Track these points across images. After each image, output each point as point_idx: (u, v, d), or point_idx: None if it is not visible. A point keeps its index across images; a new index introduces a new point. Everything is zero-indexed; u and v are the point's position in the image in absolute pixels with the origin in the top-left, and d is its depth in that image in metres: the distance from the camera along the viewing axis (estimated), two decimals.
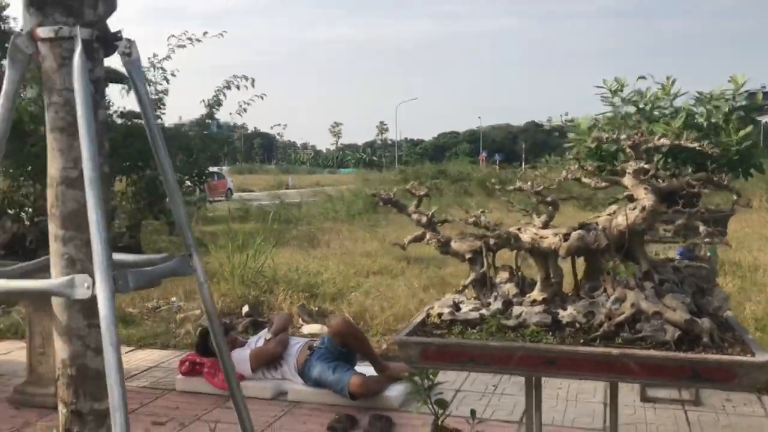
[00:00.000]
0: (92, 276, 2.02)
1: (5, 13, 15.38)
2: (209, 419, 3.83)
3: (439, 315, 2.47)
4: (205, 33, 4.31)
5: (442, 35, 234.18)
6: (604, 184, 2.51)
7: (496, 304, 2.44)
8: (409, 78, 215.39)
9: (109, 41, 2.24)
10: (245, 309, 6.30)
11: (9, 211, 4.15)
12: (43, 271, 2.64)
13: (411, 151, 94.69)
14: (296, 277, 7.23)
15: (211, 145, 4.63)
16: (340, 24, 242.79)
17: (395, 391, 4.03)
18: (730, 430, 3.61)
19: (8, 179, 4.17)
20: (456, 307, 2.49)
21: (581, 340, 2.18)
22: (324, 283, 7.29)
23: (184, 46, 4.42)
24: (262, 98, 4.67)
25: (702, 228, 2.27)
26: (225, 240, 8.21)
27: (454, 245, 2.53)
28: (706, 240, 2.31)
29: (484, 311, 2.43)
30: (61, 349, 2.21)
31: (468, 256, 2.50)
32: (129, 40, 2.30)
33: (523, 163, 50.33)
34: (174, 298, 6.70)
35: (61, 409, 2.23)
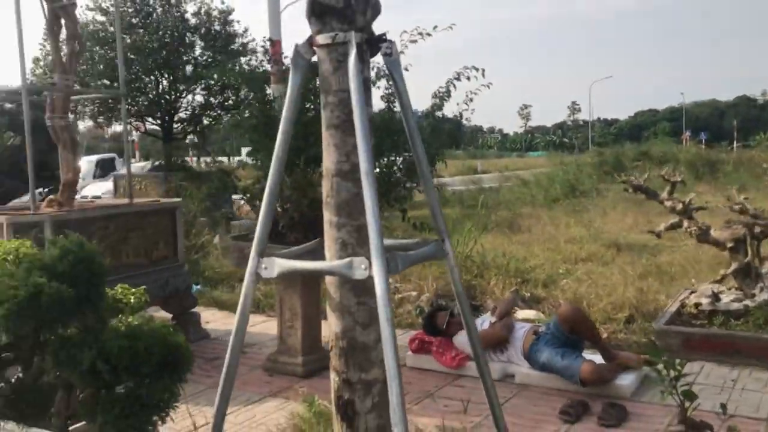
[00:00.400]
0: (367, 258, 2.21)
1: (231, 17, 16.95)
2: (441, 395, 4.04)
3: (697, 305, 2.41)
4: (434, 27, 4.50)
5: (636, 6, 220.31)
6: None
7: (763, 296, 2.34)
8: (603, 55, 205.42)
9: (375, 43, 2.43)
10: None
11: (258, 202, 4.62)
12: (310, 254, 2.95)
13: (605, 131, 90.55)
14: (505, 263, 7.28)
15: (440, 135, 4.83)
16: (528, 1, 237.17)
17: (627, 380, 3.96)
18: None
19: (261, 171, 4.64)
20: (716, 297, 2.42)
21: None
22: (533, 270, 7.28)
23: (415, 41, 4.64)
24: (488, 87, 4.78)
25: None
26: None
27: (715, 233, 2.45)
28: None
29: (748, 302, 2.34)
30: (333, 324, 2.46)
31: (730, 244, 2.42)
32: (390, 42, 2.47)
33: (734, 143, 46.09)
34: (390, 280, 7.04)
35: (333, 377, 2.48)
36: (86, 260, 2.14)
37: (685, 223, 2.48)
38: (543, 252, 8.51)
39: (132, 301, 2.79)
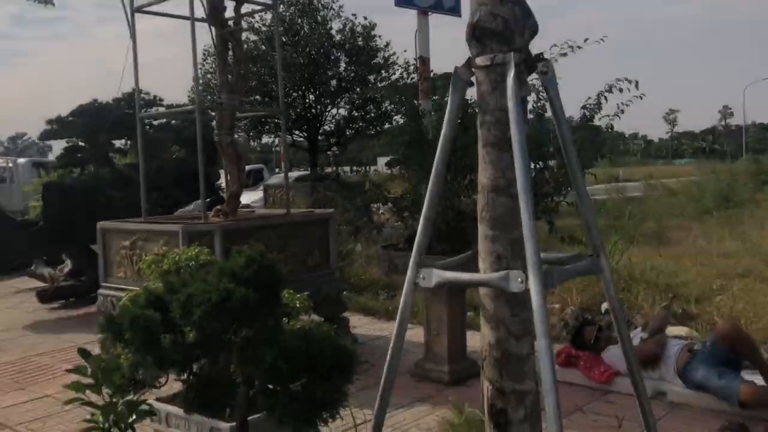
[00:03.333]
0: (524, 272, 2.28)
1: (373, 32, 17.43)
2: (590, 410, 4.01)
3: None
4: (585, 40, 4.50)
5: None
6: None
7: None
8: (759, 55, 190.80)
9: (532, 63, 2.50)
10: (604, 306, 6.33)
11: (406, 213, 4.81)
12: (461, 266, 3.05)
13: (760, 137, 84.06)
14: (653, 277, 7.03)
15: (587, 145, 4.81)
16: (676, 2, 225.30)
17: None
18: None
19: (409, 183, 4.82)
20: None
21: None
22: (684, 285, 6.98)
23: (565, 54, 4.66)
24: (641, 98, 4.69)
25: None
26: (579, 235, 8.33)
27: None
28: None
29: None
30: (488, 334, 2.55)
31: None
32: (547, 61, 2.53)
33: None
34: None
35: (487, 386, 2.57)
36: (268, 268, 2.38)
37: None
38: (694, 266, 8.12)
39: (298, 305, 3.03)
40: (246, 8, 5.61)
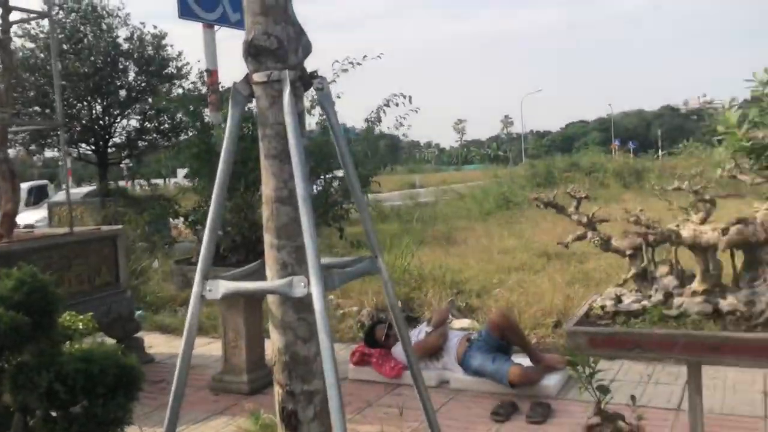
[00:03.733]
0: (307, 276, 2.41)
1: (164, 41, 16.88)
2: (381, 404, 4.26)
3: (602, 307, 2.70)
4: (364, 57, 4.77)
5: (566, 23, 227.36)
6: (760, 180, 2.64)
7: (657, 296, 2.64)
8: (534, 69, 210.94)
9: (307, 80, 2.65)
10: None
11: (199, 227, 4.77)
12: (252, 275, 3.12)
13: (537, 143, 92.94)
14: (441, 275, 7.57)
15: (374, 155, 5.09)
16: (462, 21, 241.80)
17: (552, 380, 4.27)
18: None
19: (200, 196, 4.79)
20: (618, 299, 2.71)
21: (743, 327, 2.35)
22: (468, 281, 7.60)
23: (346, 70, 4.89)
24: (416, 111, 5.06)
25: None
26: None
27: (615, 242, 2.76)
28: None
29: (645, 303, 2.64)
30: (276, 340, 2.65)
31: (629, 252, 2.72)
32: (322, 78, 2.70)
33: (659, 151, 48.07)
34: (332, 296, 7.25)
35: (277, 390, 2.67)
36: (40, 290, 2.28)
37: (589, 235, 2.77)
38: (477, 263, 8.86)
39: (80, 327, 2.91)
40: (17, 15, 5.21)
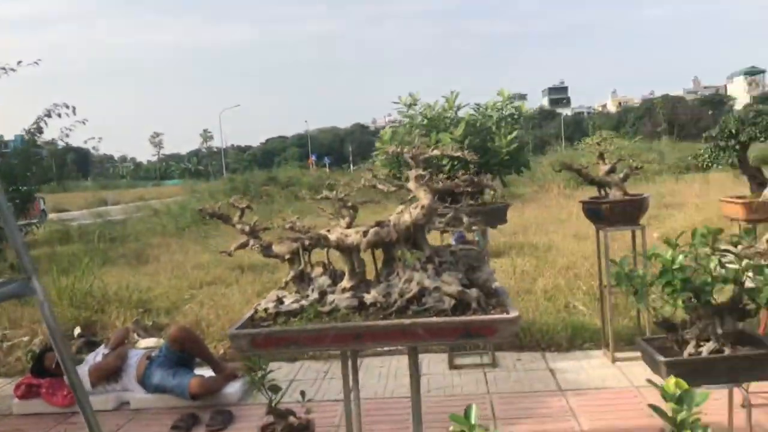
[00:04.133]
0: None
1: None
2: None
3: (265, 310, 2.87)
4: (19, 62, 4.37)
5: (262, 40, 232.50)
6: (393, 188, 3.04)
7: (313, 295, 2.88)
8: (232, 84, 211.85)
9: None
10: (77, 330, 6.27)
11: None
12: None
13: (239, 158, 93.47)
14: (127, 295, 7.25)
15: (36, 172, 4.68)
16: (152, 29, 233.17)
17: (233, 388, 4.37)
18: (519, 384, 4.35)
19: None
20: (280, 301, 2.90)
21: (381, 316, 2.69)
22: (157, 298, 7.39)
23: None
24: (84, 123, 4.78)
25: (465, 219, 2.86)
26: (47, 264, 8.04)
27: (275, 248, 2.94)
28: (473, 228, 2.90)
29: (303, 302, 2.86)
30: None
31: (287, 256, 2.92)
32: None
33: (351, 165, 51.56)
34: None
35: None
36: None
37: (251, 242, 2.93)
38: (169, 280, 8.66)
39: None
40: None
